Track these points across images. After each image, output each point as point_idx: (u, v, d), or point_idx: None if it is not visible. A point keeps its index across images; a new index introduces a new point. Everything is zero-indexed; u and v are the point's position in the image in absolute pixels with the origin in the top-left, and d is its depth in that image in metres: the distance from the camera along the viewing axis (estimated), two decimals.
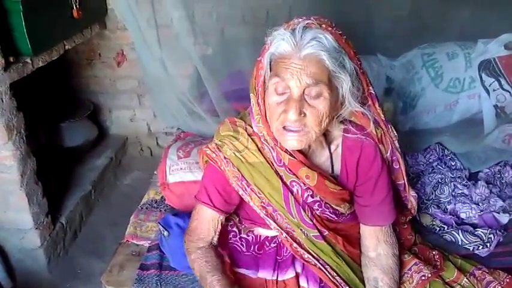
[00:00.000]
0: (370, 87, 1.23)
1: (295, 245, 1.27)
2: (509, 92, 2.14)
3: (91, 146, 2.90)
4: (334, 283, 1.25)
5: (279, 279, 1.29)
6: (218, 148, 1.26)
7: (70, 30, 2.29)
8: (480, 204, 1.75)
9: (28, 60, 1.93)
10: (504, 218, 1.67)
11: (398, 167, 1.35)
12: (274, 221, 1.27)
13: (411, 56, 2.36)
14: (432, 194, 1.83)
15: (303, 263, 1.30)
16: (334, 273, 1.26)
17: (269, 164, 1.24)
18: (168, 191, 1.79)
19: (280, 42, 1.09)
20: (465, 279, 1.34)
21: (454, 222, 1.67)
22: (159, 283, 1.46)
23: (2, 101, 1.82)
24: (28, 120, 2.01)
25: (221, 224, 1.31)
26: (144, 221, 1.76)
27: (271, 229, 1.32)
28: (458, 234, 1.59)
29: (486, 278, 1.35)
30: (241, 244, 1.38)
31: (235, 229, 1.41)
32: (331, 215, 1.28)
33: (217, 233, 1.31)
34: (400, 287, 1.31)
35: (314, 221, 1.27)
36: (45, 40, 2.04)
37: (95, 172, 2.73)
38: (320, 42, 1.06)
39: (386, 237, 1.30)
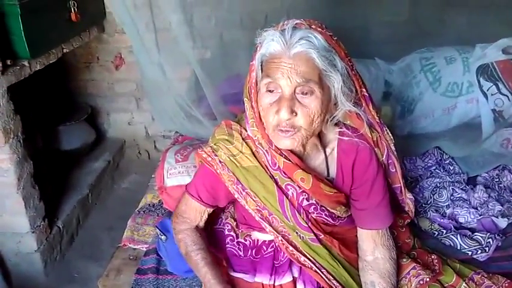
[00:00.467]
0: (364, 89, 1.23)
1: (291, 248, 1.27)
2: (507, 97, 2.15)
3: (88, 149, 2.89)
4: (331, 286, 1.25)
5: (276, 283, 1.29)
6: (213, 152, 1.27)
7: (68, 34, 2.29)
8: (479, 208, 1.75)
9: (26, 63, 1.93)
10: (503, 223, 1.67)
11: (394, 170, 1.35)
12: (270, 224, 1.27)
13: (409, 60, 2.37)
14: (430, 198, 1.83)
15: (300, 268, 1.29)
16: (331, 277, 1.25)
17: (263, 168, 1.24)
18: (165, 195, 1.79)
19: (270, 42, 1.10)
20: (464, 284, 1.33)
21: (452, 227, 1.67)
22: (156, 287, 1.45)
23: (0, 104, 1.81)
24: (25, 123, 2.01)
25: (208, 214, 1.37)
26: (142, 224, 1.76)
27: (268, 233, 1.31)
28: (457, 238, 1.59)
29: (485, 283, 1.35)
30: (239, 248, 1.38)
31: (232, 233, 1.41)
32: (327, 218, 1.28)
33: (203, 220, 1.37)
34: None
35: (310, 224, 1.26)
36: (43, 43, 2.04)
37: (92, 175, 2.72)
38: (309, 41, 1.07)
39: (383, 241, 1.30)
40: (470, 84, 2.22)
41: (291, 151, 1.22)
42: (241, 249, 1.37)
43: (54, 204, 2.37)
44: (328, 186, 1.24)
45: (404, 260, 1.37)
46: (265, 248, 1.35)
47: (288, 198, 1.24)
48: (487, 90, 2.18)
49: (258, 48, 1.15)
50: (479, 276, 1.37)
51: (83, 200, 2.53)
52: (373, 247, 1.29)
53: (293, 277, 1.29)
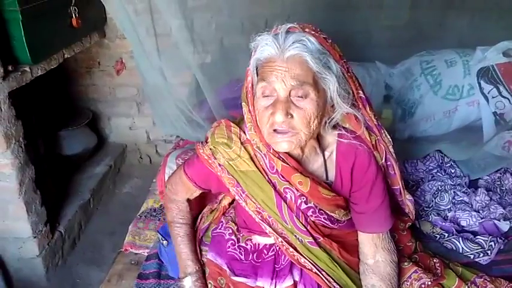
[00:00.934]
0: (360, 91, 1.23)
1: (291, 249, 1.27)
2: (508, 99, 2.14)
3: (90, 154, 2.90)
4: None
5: (277, 287, 1.28)
6: (213, 155, 1.28)
7: (69, 39, 2.31)
8: (480, 211, 1.74)
9: (27, 68, 1.94)
10: (505, 226, 1.66)
11: (393, 172, 1.35)
12: (270, 226, 1.28)
13: (410, 63, 2.37)
14: (432, 201, 1.82)
15: (301, 271, 1.29)
16: (331, 279, 1.25)
17: (261, 172, 1.24)
18: None
19: (264, 47, 1.11)
20: (466, 287, 1.33)
21: (454, 230, 1.66)
22: None
23: (1, 109, 1.82)
24: (27, 128, 2.01)
25: (198, 193, 1.43)
26: (143, 229, 1.76)
27: (268, 237, 1.32)
28: (459, 241, 1.58)
29: (487, 287, 1.35)
30: (240, 253, 1.37)
31: (233, 238, 1.41)
32: (325, 221, 1.28)
33: (194, 196, 1.45)
34: None
35: (308, 227, 1.27)
36: (44, 49, 2.05)
37: (93, 180, 2.72)
38: (303, 44, 1.07)
39: (384, 244, 1.30)
40: (471, 87, 2.22)
41: (289, 154, 1.22)
42: (242, 253, 1.37)
43: (56, 209, 2.37)
44: (326, 190, 1.24)
45: (405, 263, 1.37)
46: (266, 252, 1.35)
47: (286, 201, 1.25)
48: (488, 92, 2.18)
49: (252, 53, 1.15)
50: (482, 279, 1.37)
51: (84, 205, 2.54)
52: (374, 250, 1.29)
53: (294, 281, 1.29)
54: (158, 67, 2.07)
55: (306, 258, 1.26)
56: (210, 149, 1.29)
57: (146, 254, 1.63)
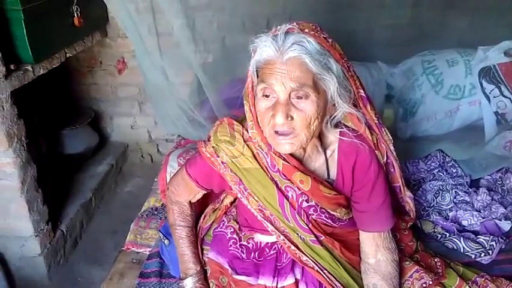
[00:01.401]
0: (361, 90, 1.23)
1: (292, 247, 1.27)
2: (510, 99, 2.14)
3: (92, 153, 2.90)
4: (332, 287, 1.25)
5: (279, 285, 1.29)
6: (215, 153, 1.28)
7: (71, 38, 2.31)
8: (482, 211, 1.74)
9: (29, 67, 1.94)
10: (506, 225, 1.66)
11: (393, 170, 1.36)
12: (272, 224, 1.28)
13: (411, 63, 2.37)
14: (433, 201, 1.83)
15: (302, 269, 1.30)
16: (333, 278, 1.26)
17: (264, 170, 1.25)
18: None
19: (263, 48, 1.10)
20: (467, 287, 1.33)
21: (455, 230, 1.67)
22: None
23: (3, 108, 1.82)
24: (29, 127, 2.02)
25: (202, 194, 1.43)
26: (145, 228, 1.76)
27: (270, 235, 1.32)
28: (460, 241, 1.58)
29: (488, 286, 1.35)
30: (242, 251, 1.38)
31: (235, 236, 1.41)
32: (327, 220, 1.28)
33: (196, 198, 1.45)
34: None
35: (310, 225, 1.27)
36: (46, 48, 2.05)
37: (95, 179, 2.73)
38: (302, 45, 1.07)
39: (385, 243, 1.30)
40: (473, 87, 2.22)
41: (291, 153, 1.22)
42: (244, 251, 1.38)
43: (58, 208, 2.38)
44: (327, 188, 1.24)
45: (407, 262, 1.37)
46: (267, 250, 1.36)
47: (288, 200, 1.25)
48: (490, 92, 2.18)
49: (252, 54, 1.15)
50: (483, 279, 1.37)
51: (86, 204, 2.54)
52: (375, 249, 1.29)
53: (295, 279, 1.29)
54: (160, 66, 2.07)
55: (307, 257, 1.26)
56: (213, 147, 1.29)
57: (148, 253, 1.64)
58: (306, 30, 1.10)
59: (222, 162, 1.27)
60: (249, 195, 1.27)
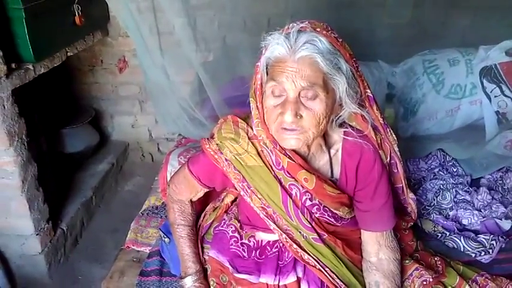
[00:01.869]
0: (368, 90, 1.24)
1: (294, 246, 1.27)
2: (511, 98, 2.14)
3: (92, 152, 2.90)
4: (334, 285, 1.25)
5: (281, 283, 1.29)
6: (219, 150, 1.28)
7: (72, 37, 2.31)
8: (482, 210, 1.74)
9: (30, 66, 1.94)
10: (506, 225, 1.66)
11: (396, 170, 1.36)
12: (274, 222, 1.28)
13: (412, 62, 2.37)
14: (434, 200, 1.83)
15: (304, 268, 1.30)
16: (334, 276, 1.26)
17: (268, 168, 1.25)
18: None
19: (275, 46, 1.10)
20: (467, 286, 1.34)
21: (456, 229, 1.67)
22: None
23: (4, 107, 1.83)
24: (30, 126, 2.02)
25: (203, 193, 1.43)
26: (145, 227, 1.76)
27: (272, 233, 1.32)
28: (460, 240, 1.58)
29: (488, 285, 1.35)
30: (243, 250, 1.38)
31: (236, 235, 1.41)
32: (330, 218, 1.29)
33: (197, 196, 1.44)
34: None
35: (313, 224, 1.27)
36: (47, 47, 2.05)
37: (96, 178, 2.73)
38: (314, 45, 1.07)
39: (387, 242, 1.30)
40: (474, 86, 2.22)
41: (295, 151, 1.23)
42: (245, 250, 1.38)
43: (58, 206, 2.38)
44: (331, 187, 1.24)
45: (407, 261, 1.38)
46: (269, 249, 1.36)
47: (291, 198, 1.25)
48: (491, 92, 2.18)
49: (263, 51, 1.15)
50: (483, 278, 1.37)
51: (86, 203, 2.54)
52: (377, 248, 1.30)
53: (297, 277, 1.29)
54: (161, 65, 2.07)
55: (309, 255, 1.27)
56: (217, 144, 1.28)
57: (148, 252, 1.64)
58: (318, 29, 1.10)
59: (225, 159, 1.27)
60: (252, 193, 1.27)
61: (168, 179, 1.82)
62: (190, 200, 1.45)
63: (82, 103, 3.02)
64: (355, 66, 1.16)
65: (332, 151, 1.27)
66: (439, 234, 1.64)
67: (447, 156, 2.06)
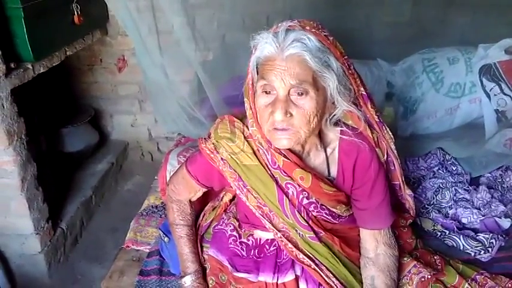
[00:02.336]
0: (361, 88, 1.24)
1: (290, 245, 1.28)
2: (510, 97, 2.14)
3: (92, 151, 2.90)
4: (330, 285, 1.25)
5: (279, 281, 1.29)
6: (215, 149, 1.29)
7: (71, 36, 2.31)
8: (481, 209, 1.74)
9: (29, 66, 1.94)
10: (506, 223, 1.66)
11: (393, 168, 1.37)
12: (270, 221, 1.29)
13: (412, 61, 2.37)
14: (433, 198, 1.83)
15: (302, 266, 1.30)
16: (331, 275, 1.26)
17: (264, 167, 1.25)
18: None
19: (264, 45, 1.11)
20: (467, 284, 1.33)
21: (455, 227, 1.67)
22: None
23: (3, 106, 1.82)
24: (29, 125, 2.02)
25: (202, 192, 1.44)
26: (145, 226, 1.76)
27: (268, 230, 1.32)
28: (460, 239, 1.58)
29: (488, 284, 1.35)
30: (242, 248, 1.38)
31: (235, 234, 1.41)
32: (327, 216, 1.29)
33: (196, 196, 1.45)
34: None
35: (310, 222, 1.27)
36: (46, 46, 2.05)
37: (95, 177, 2.73)
38: (302, 42, 1.07)
39: (385, 239, 1.31)
40: (473, 85, 2.22)
41: (290, 151, 1.23)
42: (244, 249, 1.38)
43: (58, 206, 2.38)
44: (327, 185, 1.25)
45: (405, 258, 1.38)
46: (267, 247, 1.36)
47: (288, 197, 1.25)
48: (490, 90, 2.18)
49: (253, 51, 1.16)
50: (482, 276, 1.37)
51: (86, 202, 2.54)
52: (375, 245, 1.30)
53: (296, 275, 1.29)
54: (160, 64, 2.07)
55: (304, 254, 1.27)
56: (213, 143, 1.29)
57: (148, 251, 1.64)
58: (307, 28, 1.11)
59: (221, 158, 1.27)
60: (248, 191, 1.27)
61: (168, 178, 1.83)
62: (189, 200, 1.46)
63: (81, 102, 3.02)
64: (346, 64, 1.16)
65: (328, 150, 1.27)
66: (439, 233, 1.64)
67: (447, 155, 2.06)
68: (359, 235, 1.35)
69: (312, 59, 1.06)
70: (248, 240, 1.39)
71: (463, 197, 1.81)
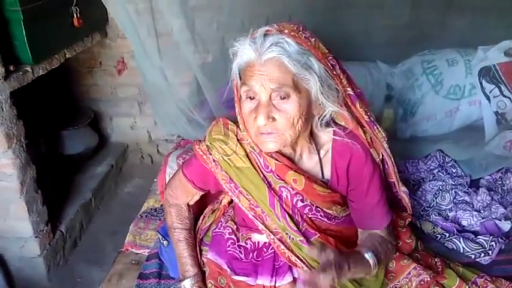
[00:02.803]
0: (348, 89, 1.23)
1: (282, 247, 1.28)
2: (510, 99, 2.14)
3: (91, 154, 2.90)
4: None
5: (277, 284, 1.29)
6: (208, 150, 1.29)
7: (70, 39, 2.31)
8: (481, 211, 1.74)
9: (28, 68, 1.94)
10: (506, 226, 1.66)
11: (387, 166, 1.37)
12: (263, 223, 1.29)
13: (411, 63, 2.37)
14: (433, 201, 1.82)
15: None
16: None
17: (256, 170, 1.26)
18: None
19: (243, 51, 1.12)
20: (467, 287, 1.33)
21: (455, 230, 1.66)
22: None
23: (2, 109, 1.82)
24: (28, 128, 2.02)
25: (199, 196, 1.44)
26: (144, 229, 1.76)
27: (261, 232, 1.32)
28: (460, 241, 1.58)
29: (488, 287, 1.35)
30: (240, 252, 1.38)
31: (233, 237, 1.41)
32: (323, 218, 1.29)
33: (194, 200, 1.45)
34: None
35: (305, 224, 1.28)
36: (45, 48, 2.05)
37: (95, 180, 2.73)
38: (280, 46, 1.08)
39: (383, 234, 1.32)
40: (473, 87, 2.22)
41: (281, 153, 1.24)
42: (242, 252, 1.38)
43: (57, 208, 2.37)
44: (321, 187, 1.25)
45: (405, 261, 1.37)
46: (265, 250, 1.36)
47: (281, 200, 1.26)
48: (490, 92, 2.17)
49: (233, 58, 1.17)
50: (483, 279, 1.37)
51: (86, 205, 2.54)
52: None
53: (293, 277, 1.29)
54: (159, 67, 2.07)
55: (296, 257, 1.26)
56: (207, 145, 1.30)
57: (147, 254, 1.63)
58: (286, 31, 1.11)
59: (213, 160, 1.28)
60: (239, 193, 1.27)
61: (167, 180, 1.82)
62: (187, 204, 1.46)
63: (81, 105, 3.02)
64: (329, 65, 1.16)
65: (322, 152, 1.27)
66: (439, 236, 1.63)
67: (446, 157, 2.05)
68: (355, 235, 1.35)
69: (291, 62, 1.07)
70: (246, 243, 1.39)
71: (463, 200, 1.80)
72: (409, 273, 1.34)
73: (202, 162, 1.30)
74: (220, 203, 1.56)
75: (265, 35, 1.11)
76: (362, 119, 1.28)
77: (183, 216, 1.46)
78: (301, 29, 1.14)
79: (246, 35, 1.15)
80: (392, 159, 1.36)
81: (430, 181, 1.93)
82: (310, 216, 1.28)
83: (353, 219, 1.33)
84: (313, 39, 1.14)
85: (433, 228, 1.67)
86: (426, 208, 1.79)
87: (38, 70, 2.00)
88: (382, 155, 1.33)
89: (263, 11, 2.48)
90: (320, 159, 1.27)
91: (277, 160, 1.23)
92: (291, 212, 1.26)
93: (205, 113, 2.11)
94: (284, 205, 1.26)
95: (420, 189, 1.89)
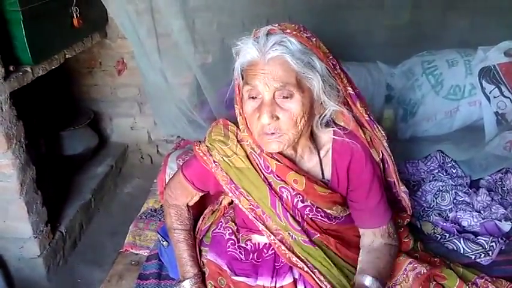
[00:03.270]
0: (349, 88, 1.24)
1: (283, 247, 1.27)
2: (510, 99, 2.14)
3: (91, 154, 2.90)
4: None
5: (277, 285, 1.29)
6: (208, 151, 1.29)
7: (70, 39, 2.31)
8: (482, 212, 1.74)
9: (28, 69, 1.94)
10: (506, 226, 1.65)
11: (387, 165, 1.37)
12: (264, 223, 1.29)
13: (411, 63, 2.37)
14: (433, 201, 1.82)
15: None
16: (323, 278, 1.25)
17: (256, 170, 1.26)
18: None
19: (246, 50, 1.12)
20: None
21: (455, 230, 1.66)
22: None
23: (2, 109, 1.82)
24: (28, 128, 2.01)
25: (199, 196, 1.44)
26: (144, 229, 1.76)
27: (261, 233, 1.32)
28: (460, 242, 1.58)
29: (488, 287, 1.34)
30: (240, 252, 1.38)
31: (233, 238, 1.41)
32: (323, 219, 1.29)
33: (193, 201, 1.45)
34: None
35: (305, 224, 1.28)
36: (45, 49, 2.05)
37: (95, 180, 2.73)
38: (283, 45, 1.08)
39: (382, 233, 1.32)
40: (473, 87, 2.22)
41: (283, 154, 1.24)
42: (243, 253, 1.38)
43: (57, 209, 2.37)
44: (322, 187, 1.25)
45: (401, 257, 1.37)
46: (265, 251, 1.36)
47: (282, 200, 1.26)
48: (490, 92, 2.17)
49: (236, 57, 1.17)
50: (483, 280, 1.37)
51: (85, 205, 2.54)
52: (372, 239, 1.32)
53: (294, 278, 1.29)
54: (159, 67, 2.07)
55: (297, 257, 1.26)
56: (207, 146, 1.30)
57: (146, 255, 1.63)
58: (288, 31, 1.12)
59: (213, 161, 1.28)
60: (240, 194, 1.28)
61: (167, 181, 1.82)
62: (187, 204, 1.46)
63: (81, 105, 3.02)
64: (331, 64, 1.17)
65: (322, 152, 1.28)
66: (439, 236, 1.63)
67: (446, 158, 2.05)
68: (356, 235, 1.35)
69: (294, 61, 1.07)
70: (246, 244, 1.39)
71: (463, 200, 1.80)
72: (405, 268, 1.34)
73: (202, 163, 1.30)
74: (220, 203, 1.55)
75: (268, 34, 1.11)
76: (362, 118, 1.28)
77: (183, 217, 1.46)
78: (302, 29, 1.15)
79: (247, 35, 1.15)
80: (392, 158, 1.37)
81: (430, 182, 1.92)
82: (310, 216, 1.28)
83: (354, 219, 1.34)
84: (314, 39, 1.15)
85: (433, 228, 1.67)
86: (426, 209, 1.79)
87: (37, 70, 2.00)
88: (382, 153, 1.33)
89: (263, 11, 2.49)
90: (320, 160, 1.27)
91: (278, 161, 1.23)
92: (291, 213, 1.26)
93: (205, 113, 2.11)
94: (285, 205, 1.26)
95: (420, 189, 1.89)
